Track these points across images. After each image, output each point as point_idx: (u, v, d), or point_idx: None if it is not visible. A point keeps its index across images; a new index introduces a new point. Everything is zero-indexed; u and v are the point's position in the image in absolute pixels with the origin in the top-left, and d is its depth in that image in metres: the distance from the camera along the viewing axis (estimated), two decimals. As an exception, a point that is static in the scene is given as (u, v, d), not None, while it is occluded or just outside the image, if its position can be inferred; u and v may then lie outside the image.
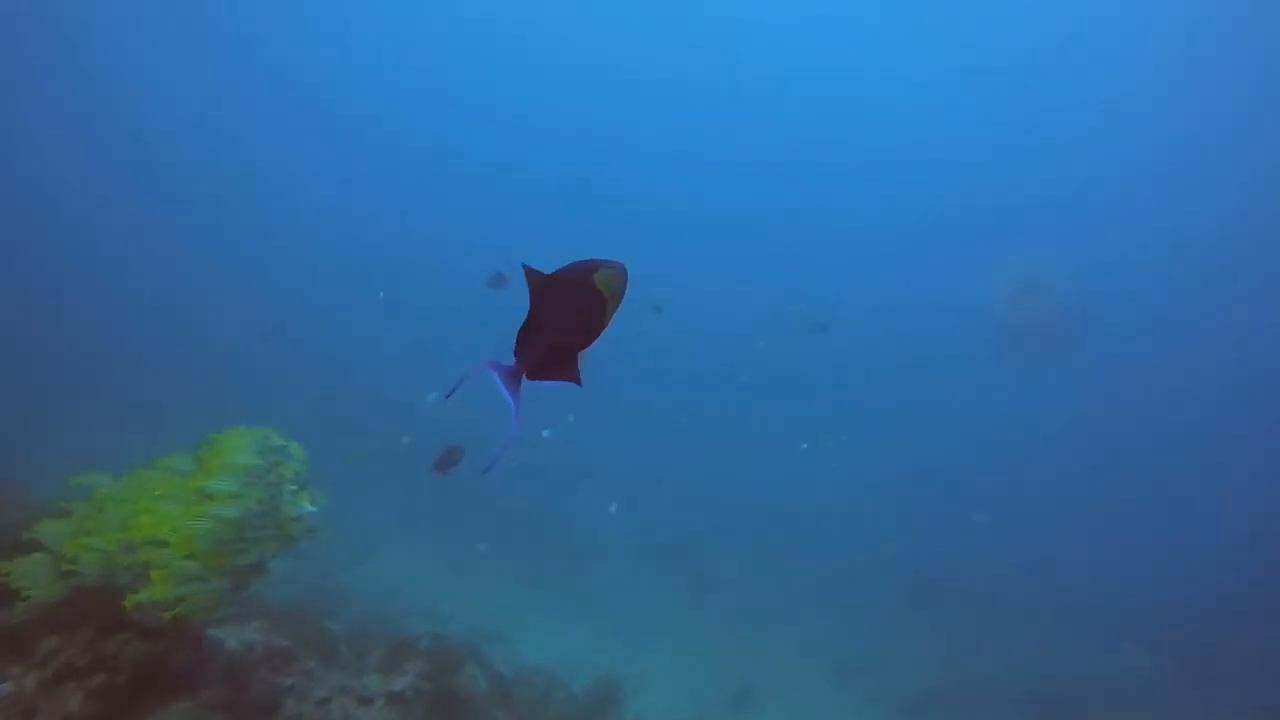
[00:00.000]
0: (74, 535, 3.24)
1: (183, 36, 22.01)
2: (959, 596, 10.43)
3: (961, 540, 11.96)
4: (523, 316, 1.57)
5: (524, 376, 1.55)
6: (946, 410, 19.31)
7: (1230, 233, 21.23)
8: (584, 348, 1.62)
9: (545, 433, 7.68)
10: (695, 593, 9.76)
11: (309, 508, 3.51)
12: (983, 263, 19.79)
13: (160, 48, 22.02)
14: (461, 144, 26.02)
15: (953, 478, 15.08)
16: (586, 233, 24.53)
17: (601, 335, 1.63)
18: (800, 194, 24.68)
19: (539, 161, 25.58)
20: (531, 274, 1.56)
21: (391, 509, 8.86)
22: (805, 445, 11.00)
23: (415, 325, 15.65)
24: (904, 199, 24.32)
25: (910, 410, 19.16)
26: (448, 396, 1.66)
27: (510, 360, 1.56)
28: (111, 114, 21.36)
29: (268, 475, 3.47)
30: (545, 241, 21.96)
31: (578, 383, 1.59)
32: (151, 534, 3.10)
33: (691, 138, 25.62)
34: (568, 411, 8.01)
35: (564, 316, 1.57)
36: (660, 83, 25.65)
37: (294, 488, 3.55)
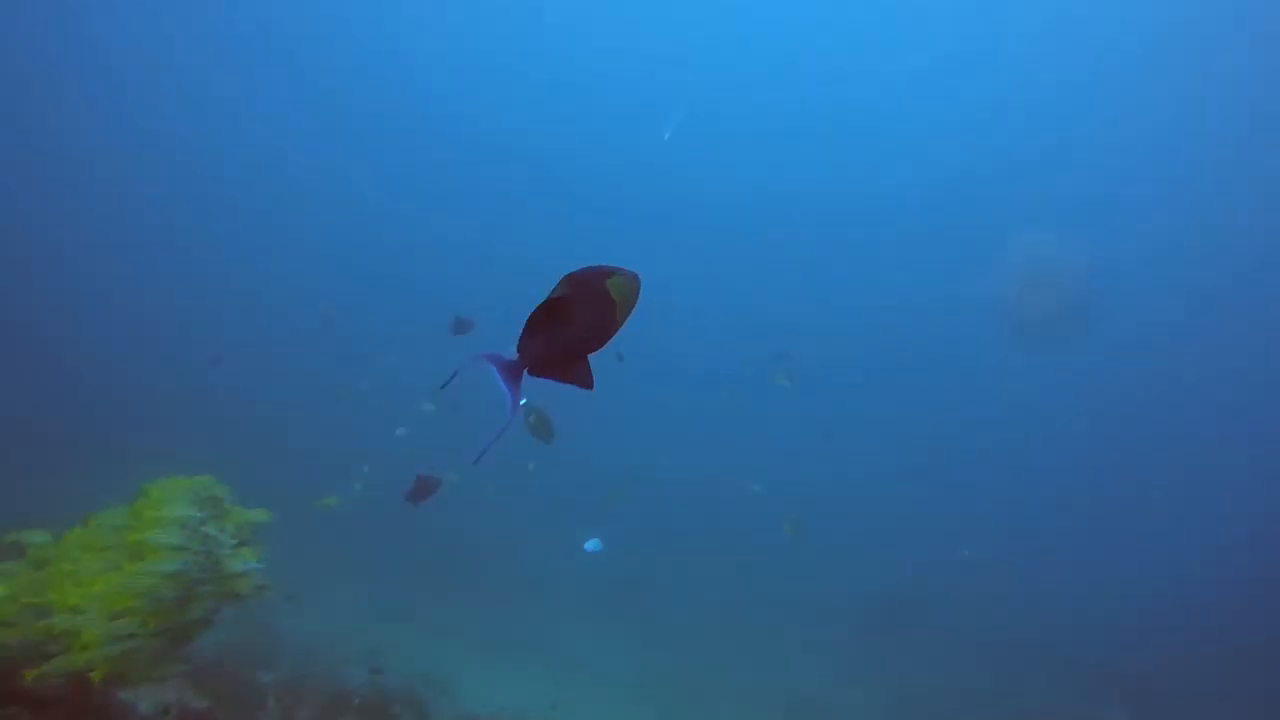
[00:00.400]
0: (3, 599, 2.90)
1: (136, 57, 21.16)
2: (919, 631, 10.39)
3: (931, 570, 11.92)
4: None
5: (525, 372, 1.56)
6: (932, 417, 19.18)
7: (1236, 234, 20.78)
8: (591, 351, 1.62)
9: (530, 466, 7.47)
10: (646, 634, 9.53)
11: (252, 563, 3.23)
12: (981, 263, 19.61)
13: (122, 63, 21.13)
14: (441, 159, 25.36)
15: (934, 493, 15.03)
16: (575, 240, 23.86)
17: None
18: (802, 193, 24.30)
19: (516, 174, 25.03)
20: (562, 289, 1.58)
21: (336, 549, 8.44)
22: (758, 487, 10.91)
23: (382, 356, 14.90)
24: (899, 199, 24.01)
25: (898, 417, 19.01)
26: (442, 387, 1.68)
27: (512, 354, 1.57)
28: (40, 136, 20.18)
29: (204, 527, 3.19)
30: (525, 253, 21.38)
31: (590, 387, 1.60)
32: (71, 602, 2.79)
33: (695, 140, 25.15)
34: (529, 459, 7.77)
35: (570, 318, 1.57)
36: (658, 87, 25.35)
37: (234, 541, 3.28)
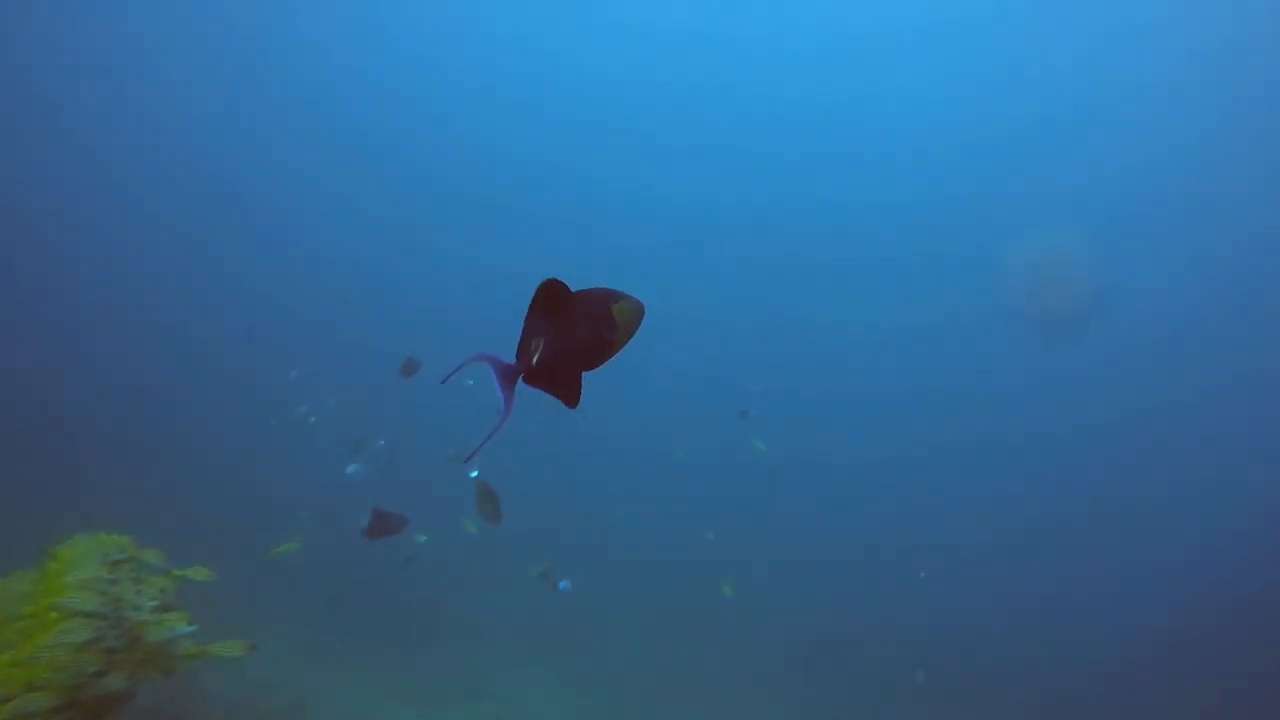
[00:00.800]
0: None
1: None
2: (863, 668, 10.37)
3: (886, 599, 11.87)
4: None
5: (520, 378, 1.60)
6: (918, 425, 18.71)
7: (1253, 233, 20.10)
8: (586, 370, 1.66)
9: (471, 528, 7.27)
10: (587, 679, 9.32)
11: (182, 629, 3.02)
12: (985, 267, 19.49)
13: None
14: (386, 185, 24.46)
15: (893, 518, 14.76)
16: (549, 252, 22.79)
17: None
18: (802, 189, 23.74)
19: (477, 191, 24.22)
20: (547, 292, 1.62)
21: (261, 596, 8.03)
22: (711, 535, 10.84)
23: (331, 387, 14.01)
24: (901, 203, 23.38)
25: (882, 428, 18.57)
26: (442, 381, 1.67)
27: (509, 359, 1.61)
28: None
29: (116, 589, 2.97)
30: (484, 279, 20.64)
31: (573, 406, 1.65)
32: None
33: (693, 147, 24.64)
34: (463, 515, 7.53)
35: (572, 334, 1.62)
36: (654, 94, 24.76)
37: (154, 602, 3.06)
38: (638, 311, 1.68)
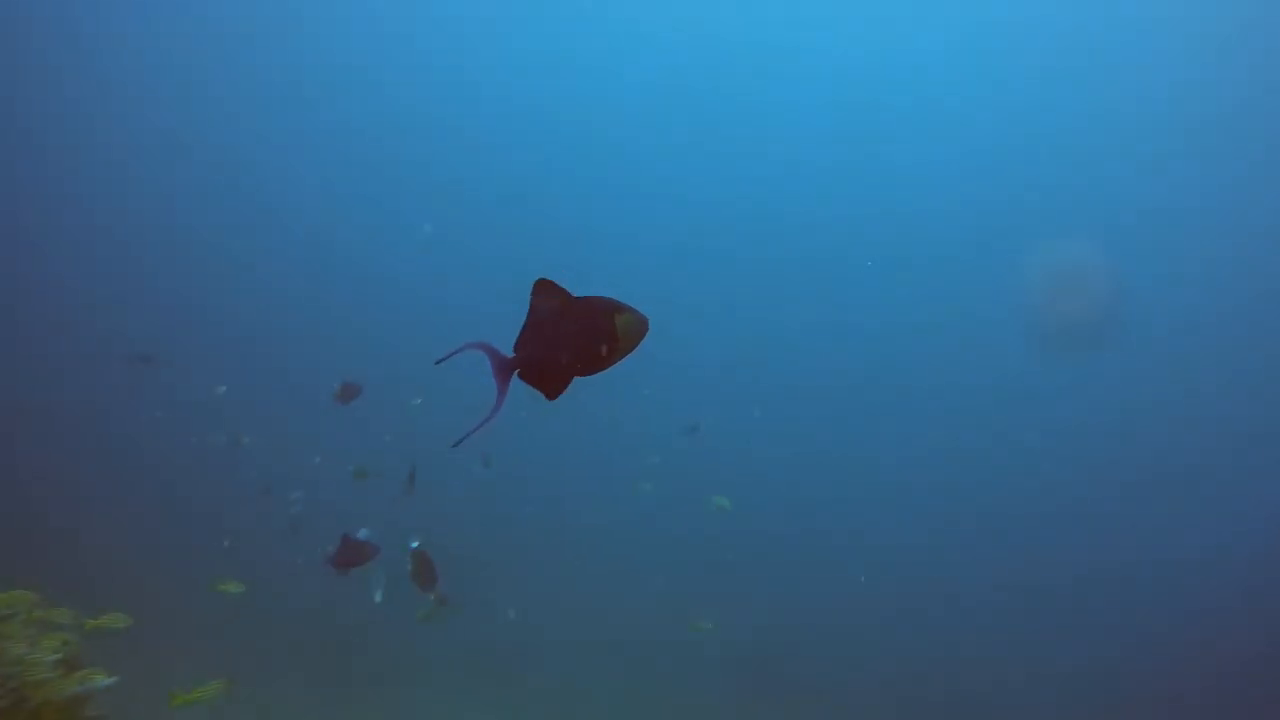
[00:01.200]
0: None
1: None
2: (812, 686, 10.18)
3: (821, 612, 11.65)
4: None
5: (514, 371, 1.63)
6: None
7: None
8: (580, 375, 1.69)
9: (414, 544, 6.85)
10: (521, 707, 8.89)
11: (99, 683, 2.64)
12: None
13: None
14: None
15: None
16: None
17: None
18: (814, 198, 22.72)
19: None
20: (550, 291, 1.64)
21: (192, 635, 7.41)
22: (659, 586, 10.64)
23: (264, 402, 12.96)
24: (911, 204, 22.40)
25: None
26: (437, 363, 1.67)
27: (507, 352, 1.63)
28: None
29: (7, 643, 2.54)
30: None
31: (550, 397, 1.67)
32: None
33: (684, 150, 23.78)
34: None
35: (571, 338, 1.64)
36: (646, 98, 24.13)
37: (54, 657, 2.63)
38: (641, 325, 1.68)
